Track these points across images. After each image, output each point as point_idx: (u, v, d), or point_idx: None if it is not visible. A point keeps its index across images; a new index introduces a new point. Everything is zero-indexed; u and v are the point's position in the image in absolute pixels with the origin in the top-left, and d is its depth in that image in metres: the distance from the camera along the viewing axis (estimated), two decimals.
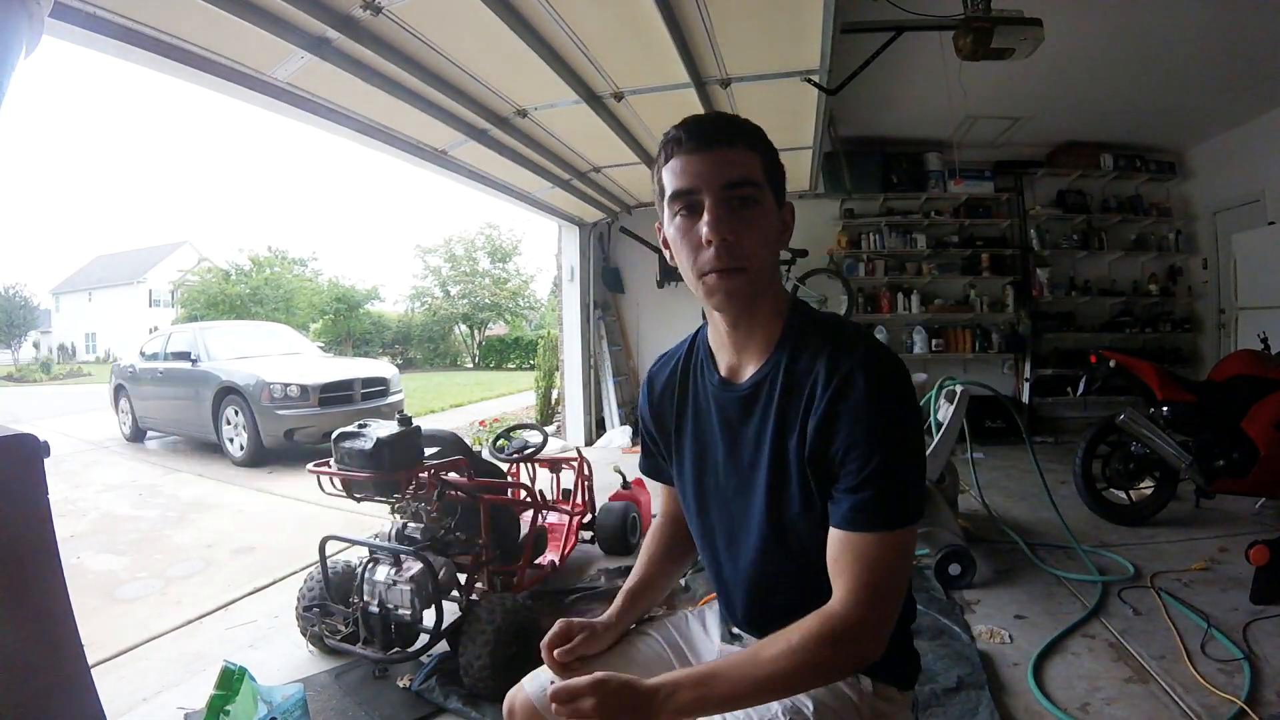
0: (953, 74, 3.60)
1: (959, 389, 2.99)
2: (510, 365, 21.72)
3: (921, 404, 2.88)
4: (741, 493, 0.93)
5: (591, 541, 3.15)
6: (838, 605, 0.78)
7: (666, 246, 0.93)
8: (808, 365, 0.86)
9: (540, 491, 2.78)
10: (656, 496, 1.20)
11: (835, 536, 0.82)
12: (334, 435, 2.09)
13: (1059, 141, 5.94)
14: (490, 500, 2.30)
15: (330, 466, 2.08)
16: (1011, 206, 6.17)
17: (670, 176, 0.86)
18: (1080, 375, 3.50)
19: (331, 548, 2.20)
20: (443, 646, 2.04)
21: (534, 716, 0.96)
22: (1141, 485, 3.39)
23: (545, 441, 2.97)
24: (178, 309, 23.06)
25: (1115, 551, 2.89)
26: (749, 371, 0.92)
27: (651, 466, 1.15)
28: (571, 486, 3.08)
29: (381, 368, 7.10)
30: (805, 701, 0.87)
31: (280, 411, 5.72)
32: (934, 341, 6.08)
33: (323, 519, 3.81)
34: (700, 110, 3.45)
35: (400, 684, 1.99)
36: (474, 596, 2.11)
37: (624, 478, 3.44)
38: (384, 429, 2.06)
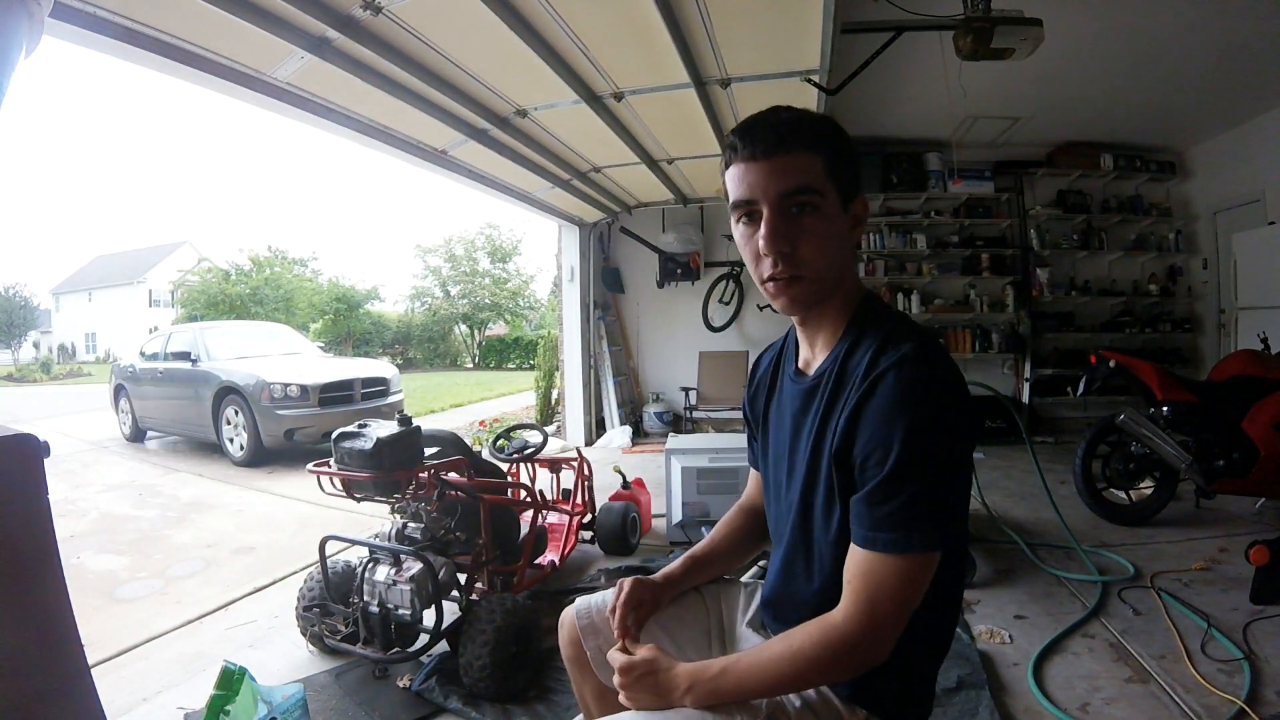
0: (953, 74, 3.60)
1: None
2: (510, 365, 21.73)
3: None
4: (793, 484, 0.95)
5: (591, 541, 3.15)
6: (839, 616, 0.79)
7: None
8: (858, 361, 0.85)
9: (540, 491, 2.78)
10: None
11: (851, 547, 0.81)
12: (334, 435, 2.09)
13: (1059, 141, 5.94)
14: (490, 500, 2.30)
15: (330, 466, 2.07)
16: (1011, 206, 6.17)
17: (731, 184, 0.87)
18: (1080, 375, 3.50)
19: (331, 548, 2.20)
20: (443, 646, 2.04)
21: (574, 626, 1.07)
22: (1141, 485, 3.39)
23: (545, 441, 2.97)
24: (178, 309, 23.04)
25: (1115, 551, 2.89)
26: (817, 364, 0.94)
27: (751, 452, 1.17)
28: (571, 486, 3.08)
29: (381, 368, 7.09)
30: (789, 708, 0.87)
31: (280, 411, 5.72)
32: None
33: (323, 519, 3.82)
34: (700, 110, 3.45)
35: (400, 684, 1.98)
36: (474, 596, 2.11)
37: (624, 478, 3.44)
38: (384, 429, 2.05)
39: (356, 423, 2.13)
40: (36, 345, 31.21)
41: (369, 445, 1.98)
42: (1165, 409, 3.14)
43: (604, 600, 1.08)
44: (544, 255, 30.82)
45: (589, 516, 3.14)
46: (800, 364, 0.98)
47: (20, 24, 1.09)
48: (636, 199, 6.04)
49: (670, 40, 2.67)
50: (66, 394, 14.48)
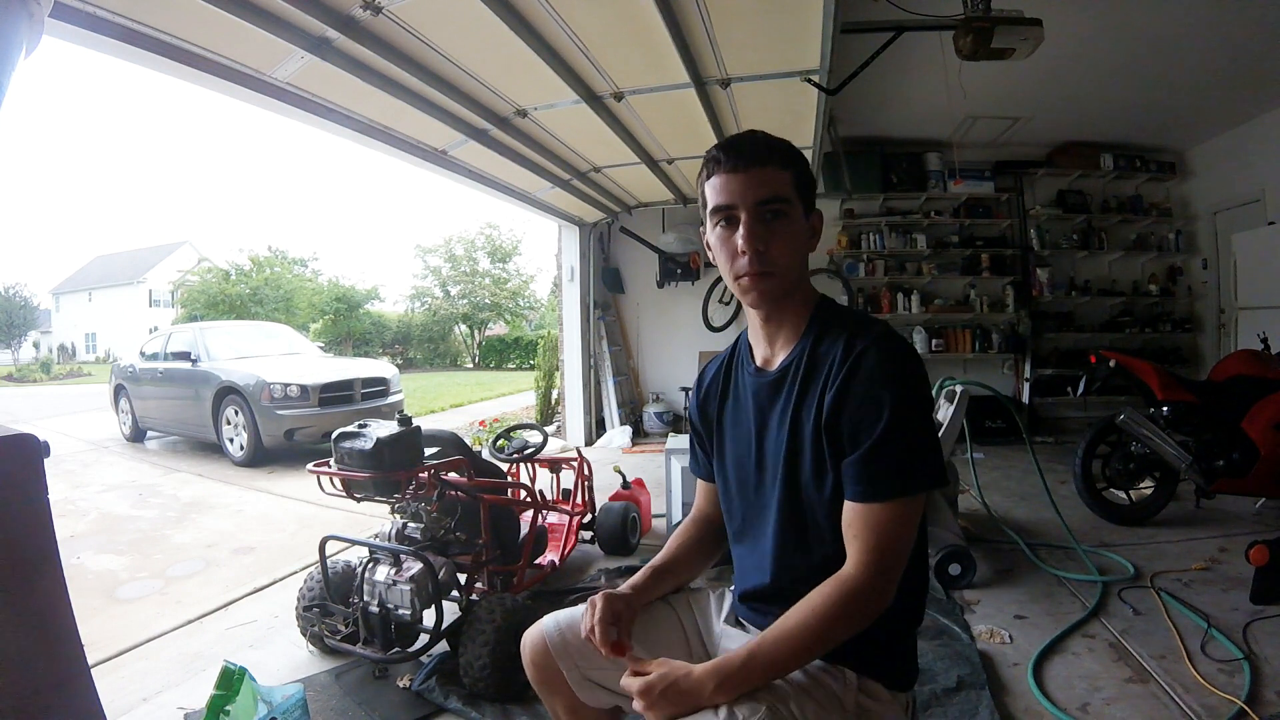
0: (953, 74, 3.60)
1: (959, 389, 2.99)
2: (510, 365, 21.73)
3: None
4: (768, 470, 1.02)
5: (591, 541, 3.15)
6: (850, 569, 0.88)
7: (710, 249, 1.04)
8: (828, 349, 0.96)
9: (540, 491, 2.78)
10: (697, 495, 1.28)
11: (849, 507, 0.90)
12: (334, 435, 2.09)
13: (1059, 141, 5.94)
14: (490, 500, 2.30)
15: (330, 466, 2.07)
16: (1011, 206, 6.17)
17: (711, 192, 0.98)
18: (1080, 375, 3.50)
19: (331, 548, 2.20)
20: (443, 646, 2.04)
21: (545, 654, 1.06)
22: (1141, 485, 3.39)
23: (545, 441, 2.97)
24: (178, 309, 23.07)
25: (1115, 551, 2.89)
26: (779, 359, 1.03)
27: (698, 465, 1.22)
28: (571, 486, 3.08)
29: (381, 368, 7.09)
30: (786, 689, 0.90)
31: (280, 411, 5.72)
32: (934, 341, 6.09)
33: (323, 519, 3.82)
34: (700, 110, 3.45)
35: (400, 684, 1.98)
36: (474, 596, 2.11)
37: (624, 478, 3.44)
38: (384, 429, 2.05)
39: (356, 423, 2.13)
40: (36, 345, 31.24)
41: (369, 445, 1.98)
42: (1165, 409, 3.14)
43: (572, 618, 1.08)
44: (544, 255, 30.86)
45: (589, 516, 3.14)
46: (760, 362, 1.07)
47: (20, 24, 1.09)
48: (636, 199, 6.04)
49: (670, 40, 2.67)
50: (66, 394, 14.48)
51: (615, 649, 0.96)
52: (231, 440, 5.96)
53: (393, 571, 1.98)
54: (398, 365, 11.56)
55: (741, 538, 1.09)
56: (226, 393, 5.97)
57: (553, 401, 7.49)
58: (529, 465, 2.99)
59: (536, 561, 2.66)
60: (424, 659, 2.03)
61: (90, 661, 1.25)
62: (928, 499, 0.98)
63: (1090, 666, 1.99)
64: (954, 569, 2.55)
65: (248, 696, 1.59)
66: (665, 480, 3.24)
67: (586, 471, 3.12)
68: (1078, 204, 6.11)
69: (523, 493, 2.67)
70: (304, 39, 2.38)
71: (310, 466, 2.12)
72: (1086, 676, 1.93)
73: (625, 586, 1.08)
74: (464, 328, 25.03)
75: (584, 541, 3.12)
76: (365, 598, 1.99)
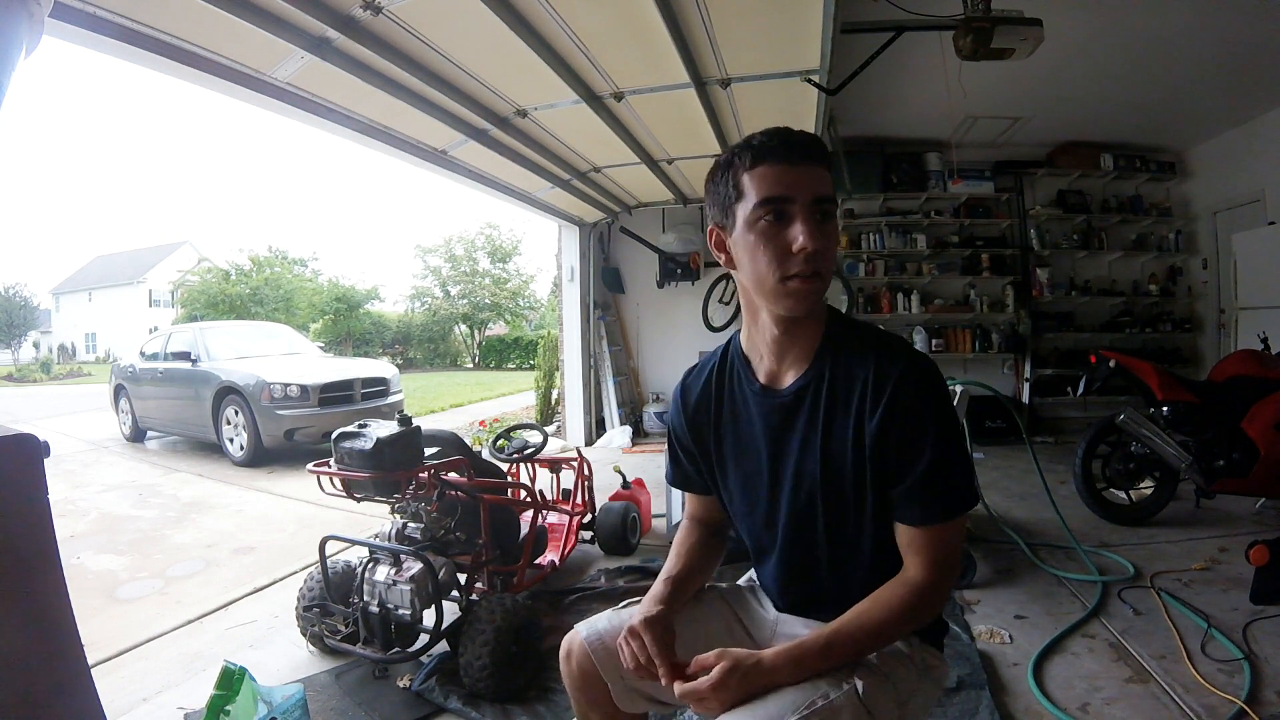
0: (953, 74, 3.59)
1: (959, 389, 2.99)
2: (510, 365, 21.73)
3: None
4: (784, 490, 1.00)
5: (591, 541, 3.15)
6: (917, 576, 0.92)
7: (720, 248, 0.98)
8: (853, 374, 0.94)
9: (540, 491, 2.78)
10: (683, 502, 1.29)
11: (905, 529, 0.93)
12: (334, 435, 2.09)
13: (1059, 141, 5.94)
14: (490, 500, 2.30)
15: (330, 466, 2.07)
16: (1011, 206, 6.17)
17: (760, 182, 0.90)
18: (1080, 375, 3.50)
19: (331, 548, 2.20)
20: (443, 646, 2.04)
21: (587, 659, 1.03)
22: (1141, 485, 3.39)
23: (545, 441, 2.97)
24: (178, 309, 23.07)
25: (1115, 551, 2.89)
26: (789, 378, 0.99)
27: (680, 477, 1.18)
28: (571, 486, 3.08)
29: (381, 368, 7.09)
30: (871, 659, 0.96)
31: (280, 411, 5.72)
32: (934, 341, 6.08)
33: (323, 519, 3.82)
34: (700, 110, 3.45)
35: (400, 684, 1.98)
36: (474, 596, 2.11)
37: (624, 478, 3.44)
38: (384, 429, 2.05)
39: (356, 423, 2.13)
40: (36, 345, 31.24)
41: (369, 445, 1.98)
42: (1165, 409, 3.14)
43: (609, 627, 1.04)
44: (544, 255, 30.85)
45: (589, 516, 3.14)
46: (764, 379, 1.01)
47: (20, 24, 1.09)
48: (636, 199, 6.04)
49: (670, 40, 2.67)
50: (66, 394, 14.48)
51: (676, 672, 0.93)
52: (231, 440, 5.96)
53: (393, 571, 1.98)
54: (398, 365, 11.56)
55: (765, 556, 1.08)
56: (226, 393, 5.97)
57: (553, 401, 7.49)
58: (529, 465, 2.99)
59: (536, 561, 2.66)
60: (424, 659, 2.03)
61: (90, 661, 1.25)
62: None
63: (1090, 666, 1.99)
64: None
65: (248, 696, 1.59)
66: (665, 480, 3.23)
67: (586, 471, 3.12)
68: (1078, 204, 6.10)
69: (523, 493, 2.67)
70: (304, 39, 2.38)
71: (310, 466, 2.12)
72: (1086, 676, 1.93)
73: (652, 604, 1.00)
74: (464, 328, 25.03)
75: (584, 541, 3.12)
76: (365, 598, 1.99)
